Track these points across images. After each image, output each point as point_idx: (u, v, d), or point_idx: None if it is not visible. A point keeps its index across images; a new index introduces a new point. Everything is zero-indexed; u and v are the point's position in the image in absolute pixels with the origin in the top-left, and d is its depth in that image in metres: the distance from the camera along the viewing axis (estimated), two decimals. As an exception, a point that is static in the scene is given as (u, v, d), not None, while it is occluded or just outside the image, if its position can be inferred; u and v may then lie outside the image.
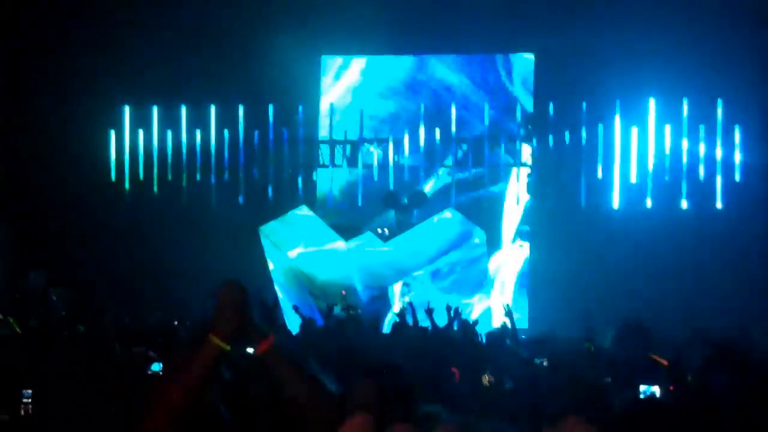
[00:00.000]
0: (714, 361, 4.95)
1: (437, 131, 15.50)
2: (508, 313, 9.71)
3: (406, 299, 12.44)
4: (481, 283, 13.92)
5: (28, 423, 4.73)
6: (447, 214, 14.04)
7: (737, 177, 14.20)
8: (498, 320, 12.96)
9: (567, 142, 14.85)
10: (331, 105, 15.91)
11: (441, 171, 15.74)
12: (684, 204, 14.34)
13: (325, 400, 2.65)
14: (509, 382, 5.89)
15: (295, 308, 11.65)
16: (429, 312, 10.05)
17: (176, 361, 2.98)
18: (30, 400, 4.77)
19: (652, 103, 14.40)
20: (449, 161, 15.61)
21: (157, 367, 4.76)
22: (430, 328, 9.55)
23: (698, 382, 5.36)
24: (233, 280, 2.76)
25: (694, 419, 3.71)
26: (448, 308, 10.12)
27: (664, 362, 6.22)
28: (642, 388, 5.32)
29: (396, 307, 12.78)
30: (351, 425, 0.63)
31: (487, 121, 15.33)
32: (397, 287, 13.67)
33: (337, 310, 12.01)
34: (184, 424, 2.57)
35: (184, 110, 15.90)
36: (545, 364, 6.78)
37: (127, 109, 15.98)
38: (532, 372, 6.42)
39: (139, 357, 4.97)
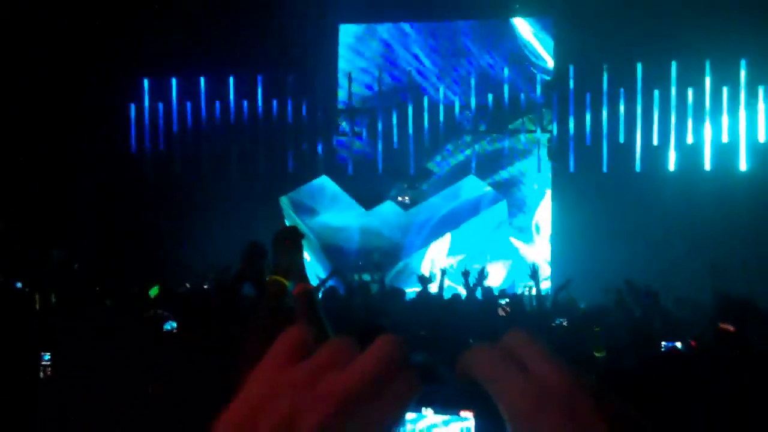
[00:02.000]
0: (726, 312, 4.88)
1: (457, 98, 15.40)
2: (534, 274, 9.70)
3: (440, 268, 12.31)
4: (504, 248, 13.88)
5: (47, 385, 4.79)
6: (468, 181, 13.98)
7: (761, 138, 14.03)
8: (522, 282, 12.95)
9: (588, 107, 14.72)
10: (350, 74, 15.83)
11: (462, 138, 15.64)
12: (707, 165, 14.20)
13: None
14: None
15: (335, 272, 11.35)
16: (465, 275, 10.02)
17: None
18: (49, 363, 4.82)
19: (673, 65, 14.23)
20: (470, 128, 15.52)
21: (170, 325, 4.79)
22: (463, 293, 9.56)
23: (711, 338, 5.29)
24: (292, 226, 3.24)
25: (711, 370, 3.68)
26: (481, 271, 10.09)
27: (731, 329, 6.13)
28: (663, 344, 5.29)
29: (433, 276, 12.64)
30: (378, 342, 0.61)
31: (507, 88, 15.20)
32: (428, 257, 13.64)
33: (356, 277, 12.01)
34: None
35: (203, 82, 15.91)
36: (564, 324, 6.77)
37: (146, 82, 16.03)
38: (551, 332, 6.41)
39: (153, 317, 5.00)
